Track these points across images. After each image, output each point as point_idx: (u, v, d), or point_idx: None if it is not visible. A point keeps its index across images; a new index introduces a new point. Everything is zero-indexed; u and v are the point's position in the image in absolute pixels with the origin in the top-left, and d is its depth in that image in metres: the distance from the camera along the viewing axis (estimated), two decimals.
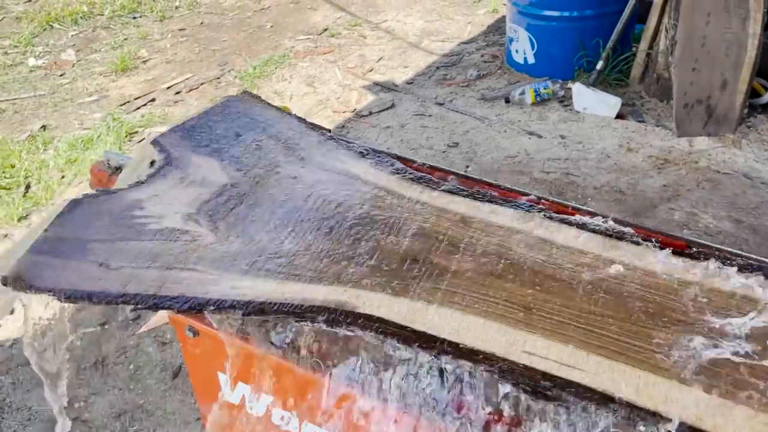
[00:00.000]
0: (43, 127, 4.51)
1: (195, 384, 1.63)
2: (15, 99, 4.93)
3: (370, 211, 1.48)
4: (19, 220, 3.59)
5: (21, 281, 1.32)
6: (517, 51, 4.68)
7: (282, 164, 1.65)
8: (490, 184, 1.58)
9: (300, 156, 1.67)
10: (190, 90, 4.88)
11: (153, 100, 4.78)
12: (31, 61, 5.52)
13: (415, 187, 1.56)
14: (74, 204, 1.52)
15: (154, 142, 1.74)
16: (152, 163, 1.75)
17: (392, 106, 4.47)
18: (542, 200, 1.49)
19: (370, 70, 4.97)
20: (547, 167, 3.76)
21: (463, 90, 4.61)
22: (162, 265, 1.35)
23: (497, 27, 5.55)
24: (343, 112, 4.44)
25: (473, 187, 1.55)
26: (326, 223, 1.45)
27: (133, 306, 1.27)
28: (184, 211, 1.50)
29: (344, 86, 4.75)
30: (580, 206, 1.45)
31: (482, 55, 5.08)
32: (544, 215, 1.44)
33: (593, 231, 1.39)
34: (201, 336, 1.43)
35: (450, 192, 1.54)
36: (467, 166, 3.79)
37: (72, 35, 5.99)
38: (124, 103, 4.76)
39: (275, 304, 1.24)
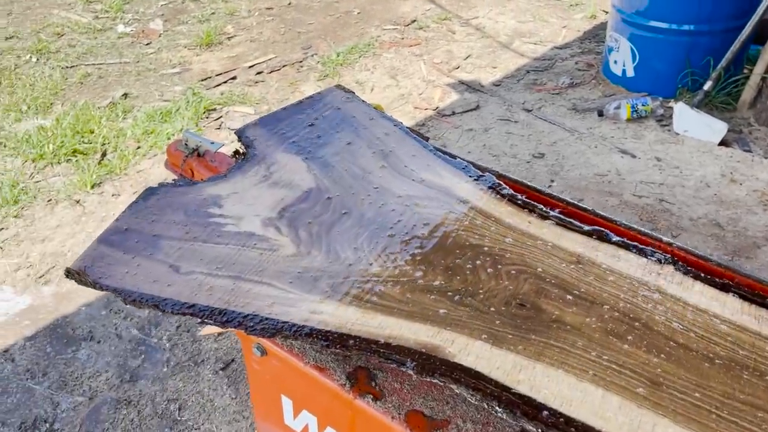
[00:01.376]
0: (125, 95, 4.51)
1: (255, 401, 1.50)
2: (101, 64, 4.96)
3: (468, 238, 1.30)
4: (92, 187, 3.58)
5: (86, 276, 1.21)
6: (615, 62, 4.39)
7: (374, 172, 1.49)
8: (609, 221, 1.37)
9: (394, 164, 1.51)
10: (272, 71, 4.79)
11: (234, 78, 4.72)
12: (120, 28, 5.56)
13: (522, 215, 1.37)
14: (149, 193, 1.41)
15: (240, 133, 1.62)
16: (235, 154, 1.62)
17: (477, 107, 4.26)
18: (675, 248, 1.28)
19: (457, 68, 4.76)
20: (640, 190, 3.49)
21: (554, 98, 4.36)
22: (236, 276, 1.22)
23: (595, 34, 5.24)
24: (425, 110, 4.26)
25: (591, 224, 1.35)
26: (419, 247, 1.28)
27: (200, 320, 1.14)
28: (265, 215, 1.36)
29: (428, 82, 4.56)
30: (725, 263, 1.23)
31: (576, 63, 4.80)
32: (678, 268, 1.23)
33: (740, 296, 1.18)
34: (269, 356, 1.29)
35: (563, 225, 1.35)
36: (552, 181, 3.56)
37: (161, 5, 6.01)
38: (205, 79, 4.72)
39: (359, 339, 1.09)
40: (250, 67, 4.87)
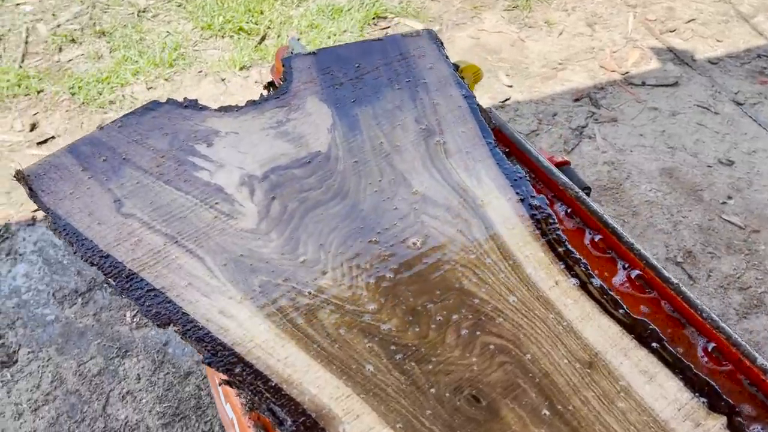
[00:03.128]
0: None
1: None
2: None
3: (462, 279, 0.98)
4: (240, 69, 3.57)
5: (30, 184, 1.09)
6: None
7: (404, 152, 1.18)
8: (700, 312, 0.97)
9: (433, 150, 1.19)
10: None
11: None
12: None
13: (552, 269, 1.01)
14: (150, 107, 1.24)
15: (287, 60, 1.38)
16: (269, 86, 1.39)
17: (674, 84, 3.57)
18: None
19: (672, 31, 4.00)
20: None
21: None
22: (172, 236, 1.02)
23: None
24: (611, 71, 3.65)
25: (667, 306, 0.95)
26: (395, 270, 0.99)
27: (104, 276, 0.97)
28: (249, 170, 1.13)
29: (629, 40, 3.89)
30: None
31: None
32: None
33: None
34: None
35: (602, 301, 0.96)
36: (729, 197, 2.90)
37: None
38: None
39: (250, 369, 0.85)
40: None
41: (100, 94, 3.34)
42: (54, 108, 3.32)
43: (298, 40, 2.16)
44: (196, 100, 1.27)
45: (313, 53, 1.38)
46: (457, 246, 1.02)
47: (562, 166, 1.48)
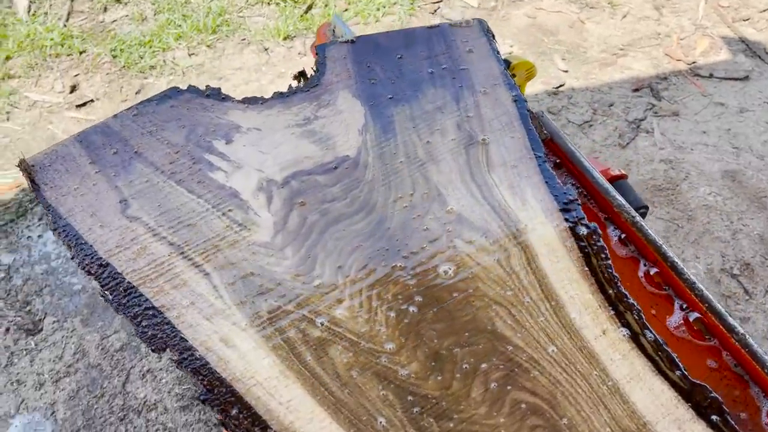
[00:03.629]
0: None
1: None
2: None
3: (495, 320, 0.86)
4: (284, 39, 3.45)
5: (33, 176, 1.00)
6: None
7: (441, 162, 1.06)
8: None
9: (474, 161, 1.06)
10: None
11: None
12: None
13: (600, 315, 0.88)
14: (169, 95, 1.14)
15: (321, 48, 1.26)
16: (299, 76, 1.28)
17: (745, 78, 3.31)
18: None
19: (746, 19, 3.71)
20: None
21: None
22: (179, 246, 0.93)
23: None
24: (677, 60, 3.41)
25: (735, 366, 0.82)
26: (420, 304, 0.88)
27: (102, 288, 0.88)
28: (268, 174, 1.03)
29: (698, 27, 3.62)
30: None
31: None
32: None
33: None
34: None
35: (657, 360, 0.84)
36: None
37: None
38: None
39: (248, 412, 0.76)
40: None
41: (141, 58, 3.27)
42: (95, 70, 3.27)
43: (339, 17, 2.04)
44: (219, 88, 1.17)
45: (351, 41, 1.25)
46: (492, 279, 0.90)
47: (619, 180, 1.33)
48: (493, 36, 1.29)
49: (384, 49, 1.24)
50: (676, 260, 1.06)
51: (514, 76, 1.36)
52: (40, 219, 2.59)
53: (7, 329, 2.25)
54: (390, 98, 1.15)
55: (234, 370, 0.80)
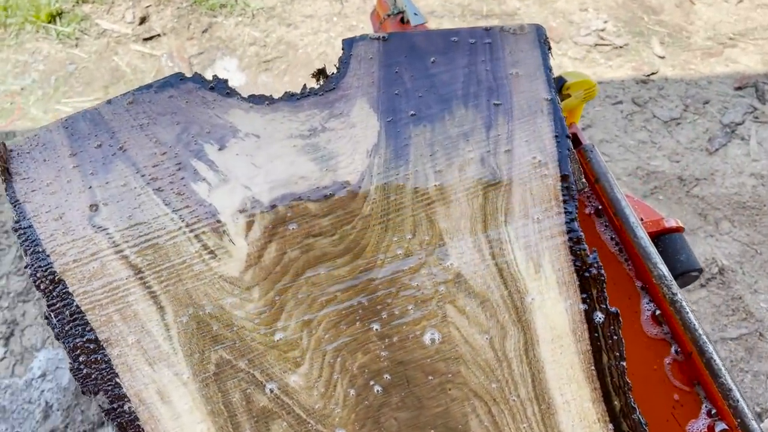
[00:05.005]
0: None
1: None
2: None
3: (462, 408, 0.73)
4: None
5: (7, 162, 0.93)
6: None
7: (449, 202, 0.91)
8: None
9: (485, 204, 0.91)
10: None
11: None
12: None
13: None
14: (168, 83, 1.04)
15: (349, 42, 1.11)
16: (318, 74, 1.14)
17: None
18: None
19: None
20: None
21: None
22: (139, 268, 0.84)
23: None
24: None
25: None
26: (397, 401, 0.76)
27: (47, 309, 0.81)
28: (254, 192, 0.92)
29: None
30: None
31: None
32: None
33: None
34: None
35: None
36: None
37: None
38: None
39: None
40: None
41: None
42: (167, 3, 3.21)
43: None
44: (226, 81, 1.05)
45: (383, 38, 1.10)
46: (478, 364, 0.77)
47: (673, 233, 1.14)
48: (549, 48, 1.10)
49: (419, 52, 1.08)
50: (715, 357, 0.89)
51: (568, 96, 1.18)
52: None
53: None
54: (412, 115, 1.00)
55: (163, 431, 0.71)
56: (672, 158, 2.60)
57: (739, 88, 2.87)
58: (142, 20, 3.12)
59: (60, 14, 3.10)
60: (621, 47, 3.02)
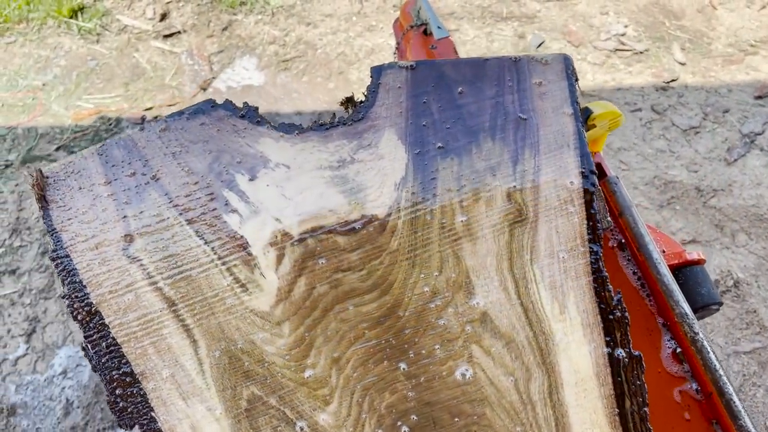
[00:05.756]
0: None
1: None
2: None
3: None
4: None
5: (42, 190, 0.96)
6: None
7: (476, 238, 0.93)
8: None
9: (511, 241, 0.92)
10: None
11: None
12: None
13: None
14: (200, 110, 1.05)
15: (378, 70, 1.12)
16: (347, 102, 1.15)
17: None
18: None
19: None
20: None
21: None
22: (173, 301, 0.86)
23: None
24: None
25: None
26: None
27: (83, 345, 0.84)
28: (284, 225, 0.93)
29: None
30: None
31: None
32: None
33: None
34: None
35: None
36: None
37: None
38: None
39: None
40: None
41: None
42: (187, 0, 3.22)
43: (427, 0, 1.86)
44: (256, 108, 1.06)
45: (411, 67, 1.11)
46: (504, 407, 0.79)
47: (694, 265, 1.15)
48: (576, 78, 1.11)
49: (447, 82, 1.09)
50: (735, 399, 0.90)
51: (593, 126, 1.18)
52: None
53: None
54: (439, 147, 1.01)
55: None
56: (690, 168, 2.60)
57: (759, 97, 2.85)
58: (163, 17, 3.13)
59: (81, 9, 3.11)
60: (641, 53, 3.00)
